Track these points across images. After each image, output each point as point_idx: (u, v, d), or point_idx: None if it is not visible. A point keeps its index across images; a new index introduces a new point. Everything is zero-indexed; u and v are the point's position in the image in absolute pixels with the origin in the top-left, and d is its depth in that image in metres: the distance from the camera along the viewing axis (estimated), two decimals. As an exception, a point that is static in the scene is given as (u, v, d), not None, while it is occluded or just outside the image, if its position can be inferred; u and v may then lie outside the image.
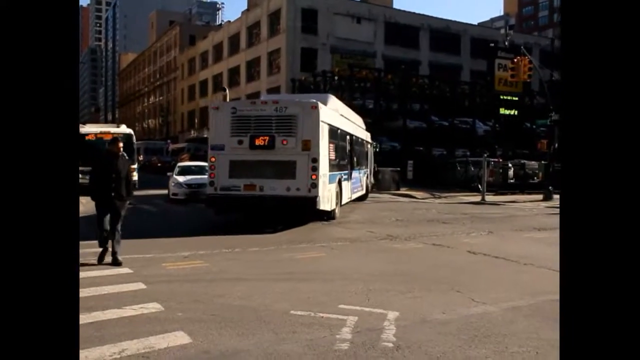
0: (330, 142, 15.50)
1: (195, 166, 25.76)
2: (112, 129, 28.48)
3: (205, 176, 20.10)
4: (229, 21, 67.94)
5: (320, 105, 14.59)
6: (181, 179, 23.16)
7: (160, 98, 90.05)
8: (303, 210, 14.71)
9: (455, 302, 7.11)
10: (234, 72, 61.31)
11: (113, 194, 9.24)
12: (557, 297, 7.70)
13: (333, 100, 16.42)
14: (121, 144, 9.69)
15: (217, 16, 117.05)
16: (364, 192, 23.38)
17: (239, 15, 63.35)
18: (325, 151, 14.68)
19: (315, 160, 13.96)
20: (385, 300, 7.16)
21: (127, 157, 9.97)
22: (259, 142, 14.06)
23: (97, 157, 9.88)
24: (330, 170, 15.33)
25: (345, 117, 19.11)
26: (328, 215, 15.80)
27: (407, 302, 7.11)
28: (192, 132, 72.42)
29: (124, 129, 29.15)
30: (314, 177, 13.94)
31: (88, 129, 28.95)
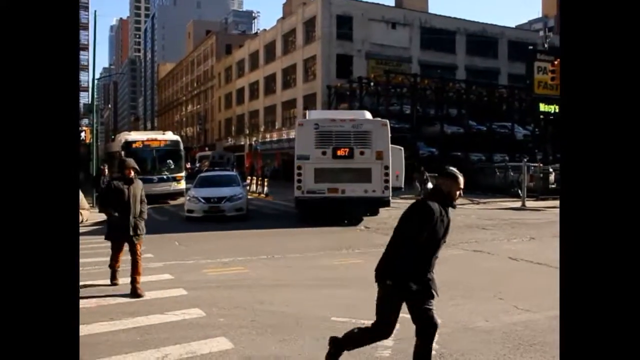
0: None
1: (219, 176, 21.60)
2: (159, 136, 27.44)
3: (229, 188, 19.17)
4: (265, 29, 68.53)
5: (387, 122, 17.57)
6: (198, 192, 18.84)
7: (198, 106, 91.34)
8: (377, 208, 17.96)
9: (498, 310, 6.98)
10: (270, 79, 61.73)
11: None
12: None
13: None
14: None
15: (253, 25, 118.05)
16: None
17: (275, 23, 63.89)
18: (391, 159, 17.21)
19: (387, 167, 16.77)
20: (426, 307, 7.06)
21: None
22: (340, 152, 16.61)
23: None
24: None
25: None
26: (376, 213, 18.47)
27: (449, 309, 6.99)
28: (229, 139, 73.20)
29: (170, 135, 27.97)
30: (386, 181, 16.73)
31: (135, 136, 27.77)
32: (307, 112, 20.61)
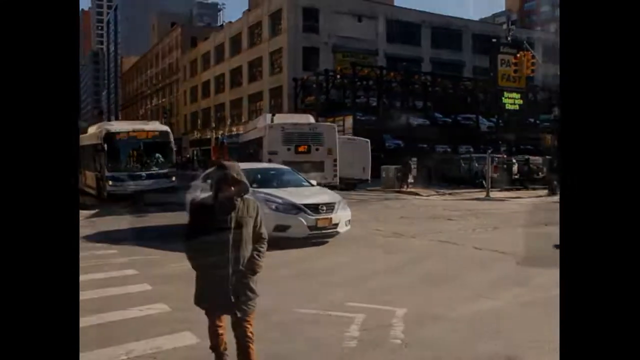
0: None
1: (277, 170, 14.37)
2: (146, 126, 23.53)
3: (314, 190, 13.01)
4: (230, 22, 67.88)
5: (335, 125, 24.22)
6: (285, 196, 11.62)
7: (163, 100, 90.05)
8: None
9: (463, 298, 7.06)
10: (236, 72, 61.23)
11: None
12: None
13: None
14: None
15: (218, 17, 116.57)
16: None
17: (240, 15, 63.34)
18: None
19: (335, 160, 22.14)
20: (393, 297, 7.11)
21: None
22: (301, 149, 21.56)
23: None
24: None
25: None
26: None
27: (415, 298, 7.05)
28: (196, 133, 72.45)
29: (158, 125, 24.33)
30: (334, 171, 21.99)
31: (117, 126, 23.83)
32: (273, 116, 23.97)
